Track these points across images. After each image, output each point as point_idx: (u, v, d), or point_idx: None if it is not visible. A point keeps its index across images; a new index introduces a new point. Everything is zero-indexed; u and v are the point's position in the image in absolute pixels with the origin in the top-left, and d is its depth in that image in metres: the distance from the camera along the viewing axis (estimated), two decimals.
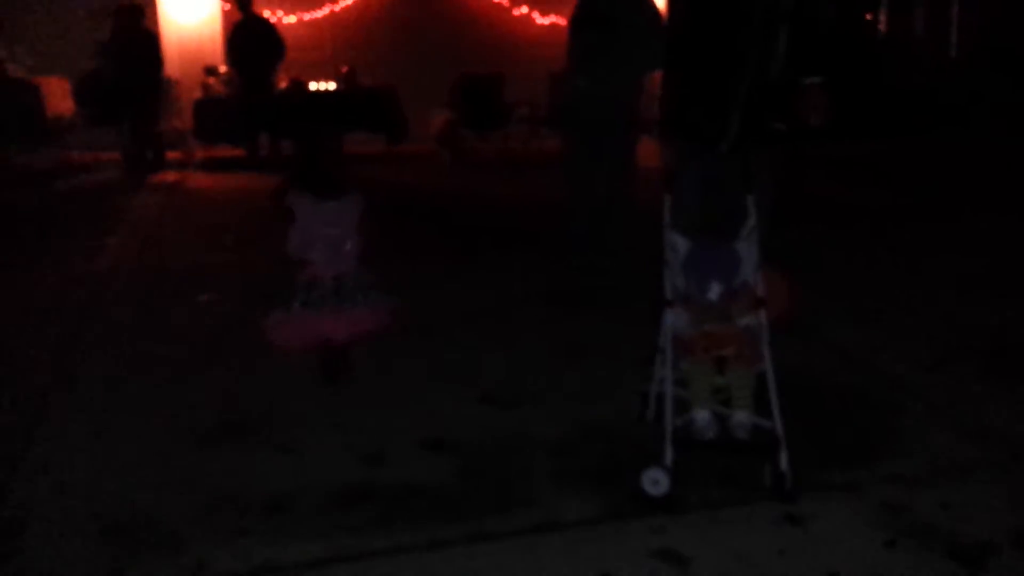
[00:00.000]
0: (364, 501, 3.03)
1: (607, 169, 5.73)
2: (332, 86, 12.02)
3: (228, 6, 12.63)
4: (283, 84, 11.99)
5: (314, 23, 13.45)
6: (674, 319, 3.34)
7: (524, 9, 13.84)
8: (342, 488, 3.12)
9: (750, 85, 3.63)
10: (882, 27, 14.57)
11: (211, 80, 12.02)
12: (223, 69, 12.03)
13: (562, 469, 3.26)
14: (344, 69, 12.18)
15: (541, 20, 13.81)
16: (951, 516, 2.92)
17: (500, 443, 3.48)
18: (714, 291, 3.30)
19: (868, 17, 14.37)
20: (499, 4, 13.80)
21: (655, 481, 3.02)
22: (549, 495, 3.07)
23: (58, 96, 11.35)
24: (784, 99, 3.59)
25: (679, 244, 3.50)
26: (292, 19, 13.33)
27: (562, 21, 11.97)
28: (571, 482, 3.16)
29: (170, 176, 10.92)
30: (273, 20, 12.22)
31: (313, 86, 11.96)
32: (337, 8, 13.57)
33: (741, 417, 3.19)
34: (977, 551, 2.72)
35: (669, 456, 3.03)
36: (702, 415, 3.20)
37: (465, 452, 3.40)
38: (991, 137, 11.78)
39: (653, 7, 5.59)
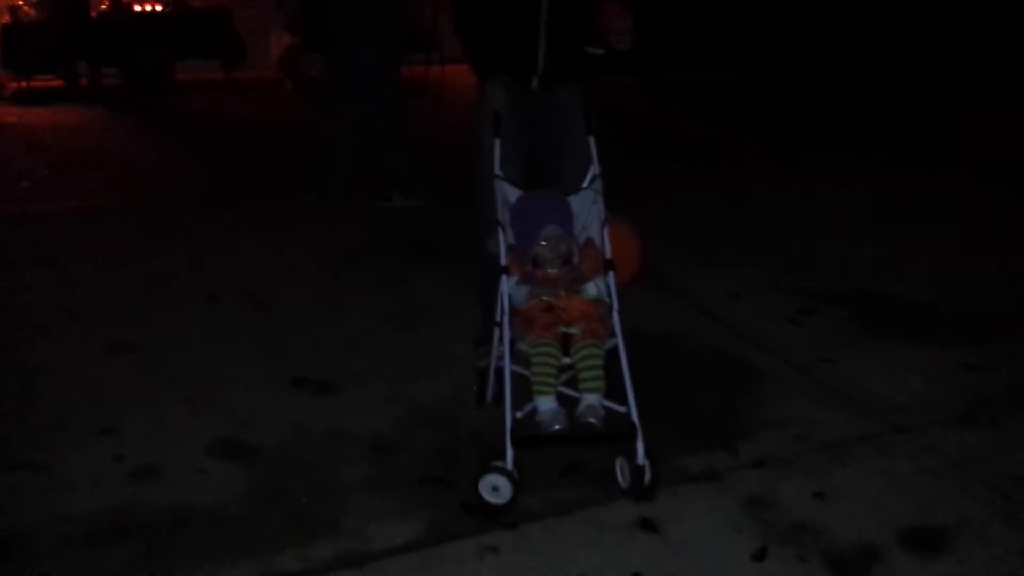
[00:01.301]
0: (122, 536, 2.40)
1: (381, 97, 5.36)
2: (159, 7, 10.82)
3: None
4: (103, 6, 10.73)
5: None
6: (511, 288, 2.80)
7: None
8: (99, 517, 2.48)
9: (550, 7, 3.06)
10: None
11: (19, 2, 10.63)
12: None
13: (379, 476, 2.71)
14: None
15: None
16: (827, 511, 2.52)
17: (308, 443, 2.89)
18: (549, 231, 2.79)
19: None
20: None
21: (494, 488, 2.51)
22: (359, 515, 2.51)
23: None
24: (588, 19, 3.02)
25: (510, 195, 2.96)
26: None
27: None
28: (389, 493, 2.61)
29: None
30: None
31: (137, 8, 10.74)
32: None
33: (591, 400, 2.69)
34: (860, 559, 2.33)
35: (510, 458, 2.52)
36: (547, 403, 2.69)
37: (263, 459, 2.80)
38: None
39: None
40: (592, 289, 2.80)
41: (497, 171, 2.98)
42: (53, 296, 4.13)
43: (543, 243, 2.80)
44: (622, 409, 2.65)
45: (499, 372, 2.80)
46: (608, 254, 2.84)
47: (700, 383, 3.31)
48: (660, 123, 8.14)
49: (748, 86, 10.81)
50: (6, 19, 10.55)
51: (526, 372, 2.72)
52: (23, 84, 10.61)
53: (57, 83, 10.71)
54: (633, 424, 2.57)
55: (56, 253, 4.69)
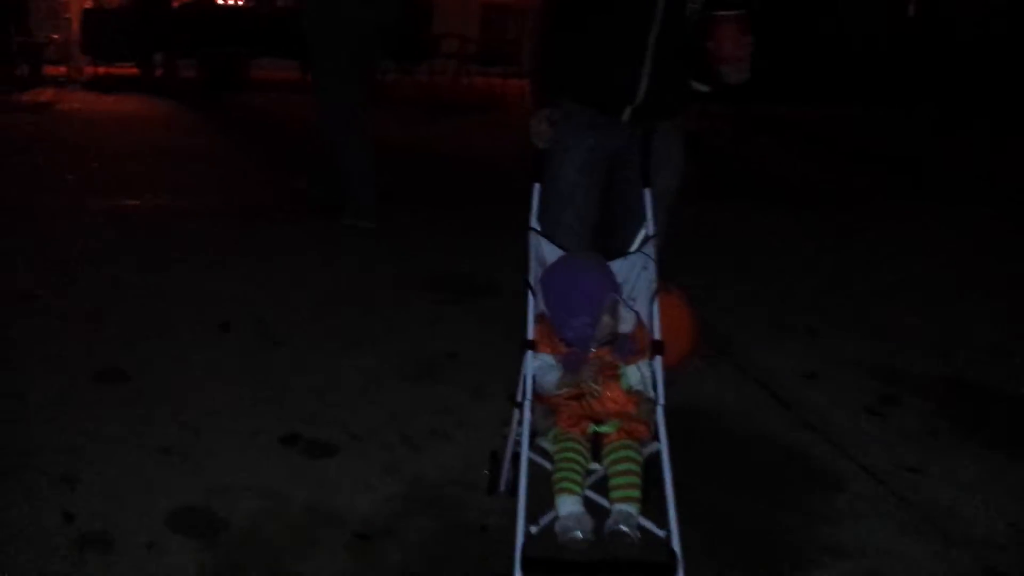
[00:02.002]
0: None
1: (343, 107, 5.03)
2: (241, 2, 10.68)
3: None
4: None
5: None
6: (537, 369, 2.33)
7: None
8: None
9: (661, 28, 2.60)
10: None
11: None
12: None
13: (356, 572, 2.27)
14: None
15: None
16: None
17: (283, 520, 2.47)
18: (580, 322, 2.30)
19: None
20: None
21: None
22: None
23: None
24: (701, 47, 2.56)
25: (547, 254, 2.50)
26: None
27: None
28: None
29: (45, 94, 9.56)
30: None
31: (219, 1, 10.62)
32: None
33: (624, 510, 2.19)
34: None
35: None
36: (569, 505, 2.20)
37: (226, 538, 2.37)
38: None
39: None
40: (634, 376, 2.31)
41: (534, 223, 2.53)
42: (52, 307, 3.81)
43: (581, 317, 2.32)
44: (661, 533, 2.15)
45: (516, 459, 2.34)
46: (657, 333, 2.35)
47: (757, 487, 2.79)
48: (744, 158, 7.53)
49: (846, 123, 10.14)
50: (88, 3, 10.54)
51: (549, 464, 2.26)
52: (99, 70, 10.58)
53: (133, 71, 10.64)
54: (674, 553, 2.07)
55: (64, 257, 4.40)
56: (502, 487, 2.55)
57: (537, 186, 2.58)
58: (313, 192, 5.46)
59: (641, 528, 2.17)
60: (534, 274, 2.45)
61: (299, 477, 2.68)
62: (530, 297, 2.41)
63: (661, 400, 2.26)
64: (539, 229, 2.52)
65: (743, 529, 2.56)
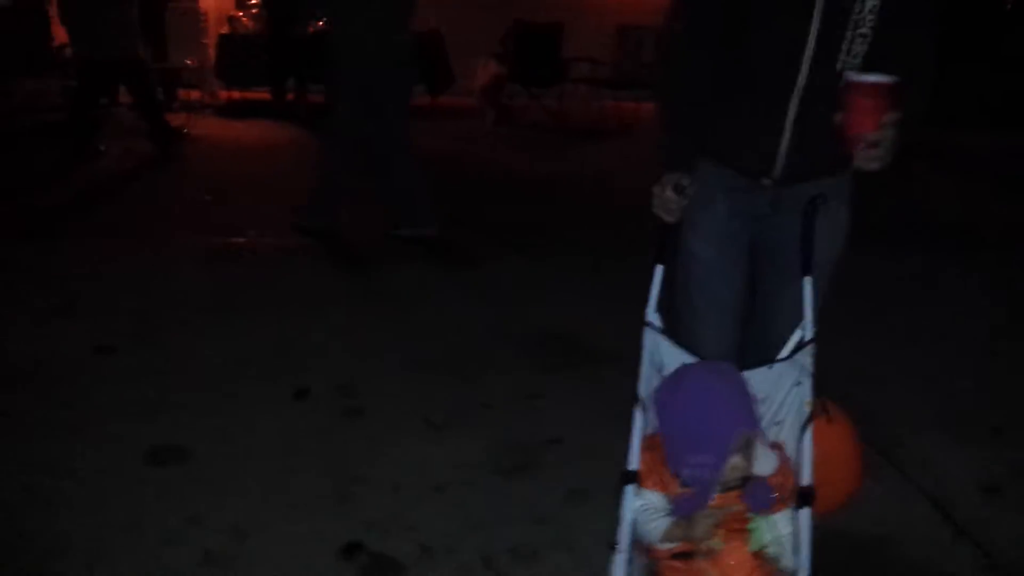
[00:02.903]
0: None
1: (385, 120, 5.06)
2: None
3: None
4: (320, 23, 10.58)
5: None
6: (641, 511, 1.80)
7: None
8: None
9: (808, 84, 2.00)
10: None
11: (240, 14, 10.68)
12: (255, 1, 10.68)
13: None
14: None
15: None
16: None
17: None
18: (700, 469, 1.73)
19: None
20: None
21: None
22: None
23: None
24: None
25: (666, 359, 1.96)
26: None
27: None
28: None
29: (176, 120, 9.62)
30: None
31: None
32: None
33: None
34: None
35: None
36: None
37: None
38: None
39: None
40: (769, 533, 1.74)
41: (652, 316, 2.00)
42: (120, 364, 3.52)
43: (703, 455, 1.75)
44: None
45: None
46: (806, 477, 1.77)
47: None
48: (911, 195, 6.59)
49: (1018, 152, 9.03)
50: (224, 29, 10.62)
51: None
52: (233, 95, 10.63)
53: (265, 96, 10.65)
54: None
55: (145, 302, 4.14)
56: None
57: (660, 268, 2.05)
58: (306, 209, 5.32)
59: None
60: (646, 383, 1.92)
61: None
62: (637, 414, 1.88)
63: (805, 570, 1.68)
64: (659, 326, 1.99)
65: None
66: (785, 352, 1.93)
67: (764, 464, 1.76)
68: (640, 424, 1.87)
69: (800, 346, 1.90)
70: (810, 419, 1.82)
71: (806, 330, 1.91)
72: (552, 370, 3.58)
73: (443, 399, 3.31)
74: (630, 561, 1.77)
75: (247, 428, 3.04)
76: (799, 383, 1.87)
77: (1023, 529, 2.66)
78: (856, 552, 2.49)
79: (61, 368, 3.43)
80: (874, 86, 1.84)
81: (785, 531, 1.74)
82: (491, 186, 6.90)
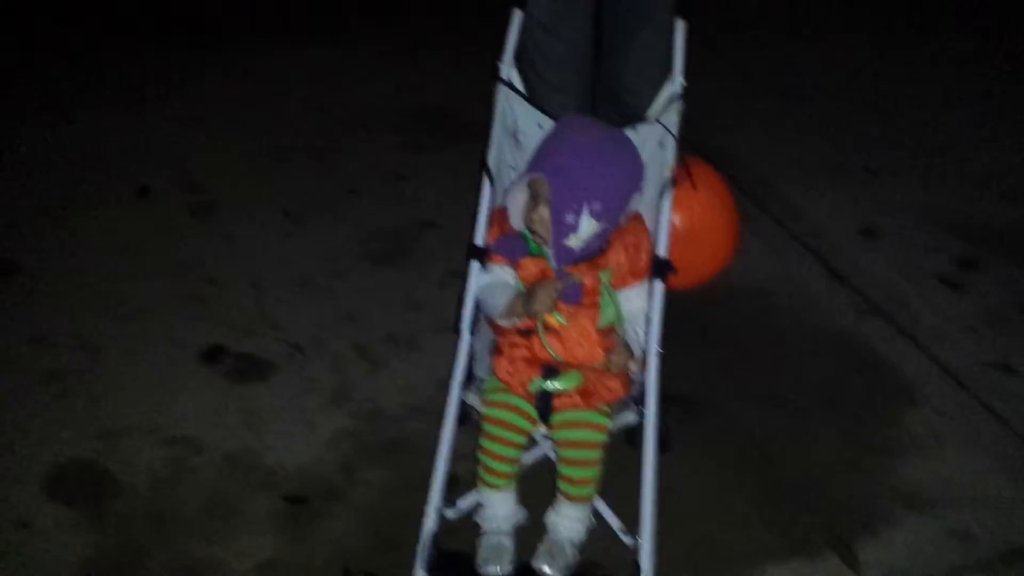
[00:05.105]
0: None
1: None
2: None
3: None
4: None
5: None
6: (486, 287, 1.68)
7: None
8: None
9: None
10: None
11: None
12: None
13: None
14: None
15: None
16: None
17: (190, 492, 1.92)
18: (581, 226, 1.58)
19: None
20: None
21: None
22: None
23: None
24: None
25: (519, 118, 1.79)
26: None
27: None
28: None
29: None
30: None
31: None
32: None
33: (565, 521, 1.62)
34: None
35: None
36: (497, 500, 1.64)
37: (102, 524, 1.84)
38: None
39: None
40: (617, 308, 1.63)
41: (505, 72, 1.79)
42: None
43: (577, 209, 1.58)
44: (627, 539, 1.59)
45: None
46: (663, 248, 1.66)
47: (799, 404, 2.19)
48: None
49: None
50: None
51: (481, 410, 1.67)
52: None
53: None
54: (638, 567, 1.51)
55: None
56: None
57: (518, 13, 1.83)
58: None
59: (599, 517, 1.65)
60: (496, 149, 1.76)
61: (220, 413, 2.10)
62: (486, 184, 1.72)
63: (655, 346, 1.61)
64: (512, 81, 1.79)
65: (774, 478, 1.98)
66: (655, 108, 1.76)
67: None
68: (488, 195, 1.72)
69: (669, 102, 1.74)
70: (670, 184, 1.69)
71: (675, 83, 1.75)
72: (421, 150, 3.34)
73: (303, 188, 3.06)
74: (477, 339, 1.69)
75: (86, 234, 2.76)
76: (663, 145, 1.73)
77: (896, 263, 2.68)
78: (734, 309, 2.48)
79: None
80: None
81: (637, 305, 1.65)
82: None
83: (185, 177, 3.08)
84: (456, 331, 1.67)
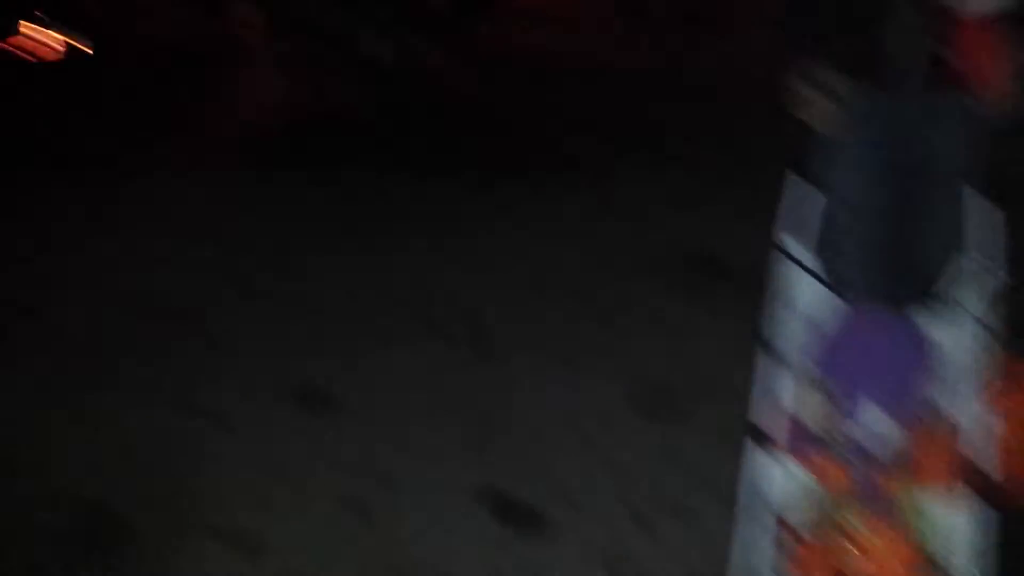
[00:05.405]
0: None
1: None
2: None
3: None
4: None
5: None
6: (777, 481, 1.66)
7: None
8: None
9: None
10: None
11: None
12: None
13: None
14: None
15: None
16: None
17: None
18: (869, 420, 1.54)
19: None
20: None
21: None
22: None
23: None
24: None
25: (808, 301, 1.76)
26: None
27: None
28: None
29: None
30: None
31: None
32: None
33: None
34: None
35: None
36: None
37: None
38: None
39: None
40: (930, 519, 1.54)
41: (783, 238, 1.78)
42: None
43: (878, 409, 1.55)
44: None
45: None
46: (987, 461, 1.56)
47: None
48: None
49: None
50: None
51: None
52: None
53: None
54: None
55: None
56: None
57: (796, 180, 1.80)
58: None
59: None
60: (776, 322, 1.75)
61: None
62: (763, 359, 1.71)
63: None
64: (793, 251, 1.77)
65: None
66: (951, 289, 1.67)
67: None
68: (768, 372, 1.69)
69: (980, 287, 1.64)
70: (989, 382, 1.60)
71: (974, 260, 1.65)
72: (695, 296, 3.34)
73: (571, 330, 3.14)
74: (764, 533, 1.64)
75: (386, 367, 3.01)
76: (973, 332, 1.63)
77: None
78: None
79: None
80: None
81: (955, 521, 1.54)
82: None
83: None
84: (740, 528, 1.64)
